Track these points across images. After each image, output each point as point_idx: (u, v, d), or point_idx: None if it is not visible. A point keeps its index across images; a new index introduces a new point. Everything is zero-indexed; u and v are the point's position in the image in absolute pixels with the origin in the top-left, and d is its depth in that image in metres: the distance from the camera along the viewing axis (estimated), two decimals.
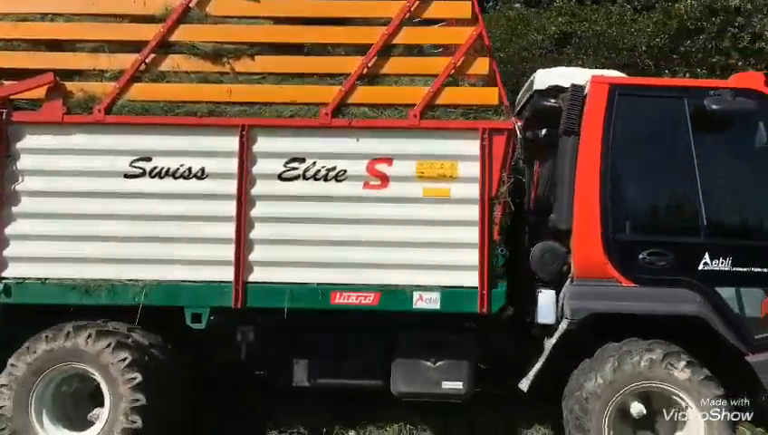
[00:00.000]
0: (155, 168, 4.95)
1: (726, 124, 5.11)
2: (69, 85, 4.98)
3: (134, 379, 4.71)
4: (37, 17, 5.14)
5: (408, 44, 5.10)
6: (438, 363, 5.14)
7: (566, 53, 12.51)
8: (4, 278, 4.92)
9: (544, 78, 5.63)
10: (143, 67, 5.01)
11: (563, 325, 5.00)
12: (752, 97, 5.08)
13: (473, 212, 4.88)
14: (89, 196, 4.96)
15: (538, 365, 5.06)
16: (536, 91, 5.53)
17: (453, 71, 4.94)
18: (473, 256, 4.88)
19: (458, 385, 5.11)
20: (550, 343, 5.07)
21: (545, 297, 5.09)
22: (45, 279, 4.92)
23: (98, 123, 4.94)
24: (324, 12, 5.14)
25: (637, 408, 4.80)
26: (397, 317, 5.08)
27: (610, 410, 4.77)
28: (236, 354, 5.32)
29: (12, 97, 4.94)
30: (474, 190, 4.89)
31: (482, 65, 5.02)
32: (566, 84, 5.44)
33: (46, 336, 4.77)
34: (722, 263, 4.97)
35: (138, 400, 4.70)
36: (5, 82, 4.98)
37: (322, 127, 4.92)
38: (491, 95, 4.96)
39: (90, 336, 4.71)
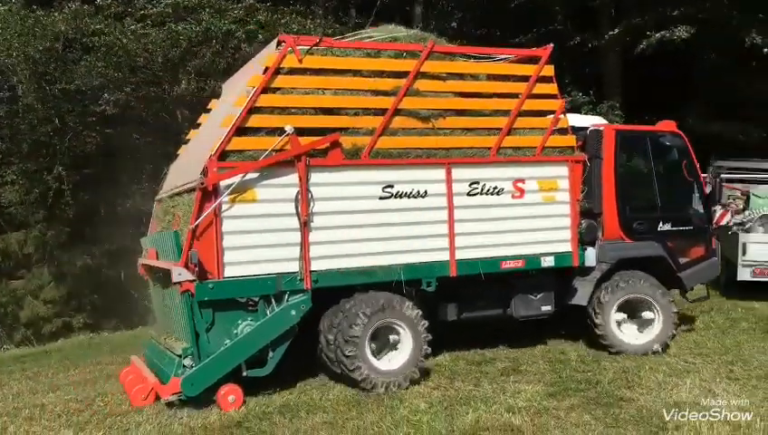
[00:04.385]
0: (397, 191, 7.70)
1: (668, 151, 9.52)
2: (343, 139, 7.43)
3: (425, 324, 7.60)
4: (311, 90, 7.43)
5: (531, 110, 8.46)
6: (538, 296, 8.78)
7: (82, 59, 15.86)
8: (313, 271, 7.32)
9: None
10: (384, 125, 7.65)
11: (603, 266, 8.97)
12: (678, 136, 9.55)
13: (567, 208, 8.56)
14: (359, 212, 7.54)
15: (590, 289, 8.97)
16: None
17: (554, 126, 8.49)
18: (568, 234, 8.58)
19: (549, 308, 8.83)
20: (593, 277, 9.00)
21: (590, 252, 8.97)
22: (339, 269, 7.44)
23: (364, 165, 7.51)
24: (482, 89, 8.29)
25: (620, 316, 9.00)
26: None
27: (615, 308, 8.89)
28: None
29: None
30: (567, 196, 8.56)
31: (564, 122, 8.62)
32: (578, 125, 9.34)
33: (382, 305, 7.40)
34: (667, 226, 9.39)
35: (427, 337, 7.61)
36: (299, 138, 7.22)
37: (489, 162, 8.13)
38: (572, 140, 8.63)
39: (398, 301, 7.46)
